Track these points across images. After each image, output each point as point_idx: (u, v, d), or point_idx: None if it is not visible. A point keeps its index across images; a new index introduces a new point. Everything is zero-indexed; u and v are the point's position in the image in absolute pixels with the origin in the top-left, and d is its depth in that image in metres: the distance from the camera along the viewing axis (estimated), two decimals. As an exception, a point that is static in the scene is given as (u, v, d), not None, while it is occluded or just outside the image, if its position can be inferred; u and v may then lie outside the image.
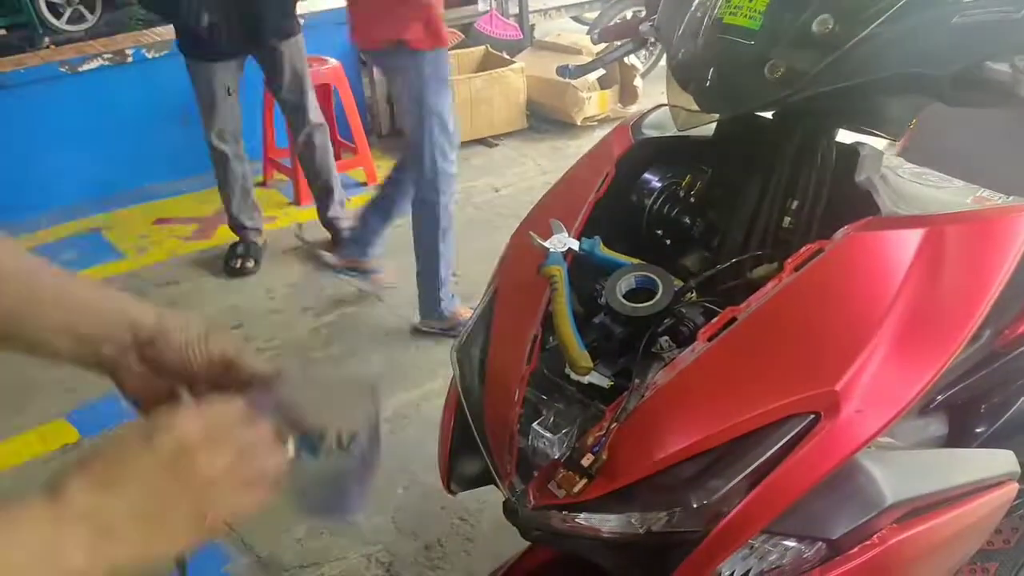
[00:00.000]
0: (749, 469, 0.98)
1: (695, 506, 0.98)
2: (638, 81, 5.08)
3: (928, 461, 1.25)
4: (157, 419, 0.65)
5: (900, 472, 1.11)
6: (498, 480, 1.17)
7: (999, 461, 1.26)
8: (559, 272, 1.15)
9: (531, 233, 1.21)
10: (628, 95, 5.09)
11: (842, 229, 1.07)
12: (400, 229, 3.96)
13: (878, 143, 1.22)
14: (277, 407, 0.72)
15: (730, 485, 0.98)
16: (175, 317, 0.79)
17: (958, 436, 1.51)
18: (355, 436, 0.73)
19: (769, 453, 0.98)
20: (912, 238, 1.05)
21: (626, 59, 4.67)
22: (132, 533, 0.61)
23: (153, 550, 0.63)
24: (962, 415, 1.53)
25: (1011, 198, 1.19)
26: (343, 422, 0.73)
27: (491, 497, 1.15)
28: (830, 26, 1.04)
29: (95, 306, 0.78)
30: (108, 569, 0.60)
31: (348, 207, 3.92)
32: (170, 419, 0.65)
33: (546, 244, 1.19)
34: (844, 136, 1.23)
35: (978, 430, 1.55)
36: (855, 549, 1.04)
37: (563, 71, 1.52)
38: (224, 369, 0.78)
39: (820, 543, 1.04)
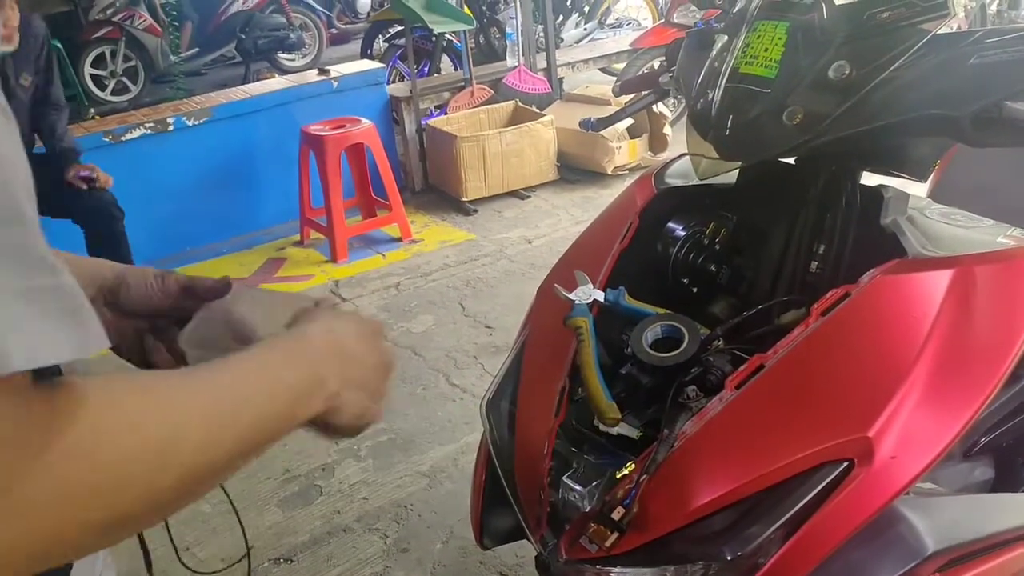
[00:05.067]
0: (784, 519, 0.96)
1: (730, 558, 0.97)
2: (667, 129, 5.11)
3: (972, 506, 1.22)
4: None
5: (942, 519, 1.08)
6: (529, 534, 1.16)
7: (1047, 505, 1.22)
8: (585, 324, 1.15)
9: (556, 286, 1.21)
10: (658, 143, 5.12)
11: (868, 273, 1.06)
12: (437, 283, 4.00)
13: (906, 185, 1.21)
14: (227, 320, 0.76)
15: (765, 535, 0.96)
16: (132, 268, 0.84)
17: (1006, 479, 1.47)
18: None
19: (804, 502, 0.96)
20: (941, 279, 1.04)
21: (655, 108, 4.71)
22: (360, 388, 0.67)
23: (364, 415, 0.68)
24: (1009, 458, 1.49)
25: (1043, 235, 1.18)
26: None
27: (530, 552, 1.15)
28: (847, 72, 1.05)
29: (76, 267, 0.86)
30: (343, 415, 0.65)
31: (383, 262, 3.92)
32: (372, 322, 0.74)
33: (571, 296, 1.19)
34: (870, 179, 1.23)
35: (1026, 473, 1.50)
36: (897, 600, 1.01)
37: (585, 124, 1.55)
38: (184, 297, 0.81)
39: (860, 594, 1.01)
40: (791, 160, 1.23)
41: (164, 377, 0.59)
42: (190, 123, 4.38)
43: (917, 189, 1.35)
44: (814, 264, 1.21)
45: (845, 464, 0.95)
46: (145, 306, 0.82)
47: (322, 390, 0.62)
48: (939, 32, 1.03)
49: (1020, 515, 1.18)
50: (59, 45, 7.02)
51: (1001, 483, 1.46)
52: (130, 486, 0.47)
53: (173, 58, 7.73)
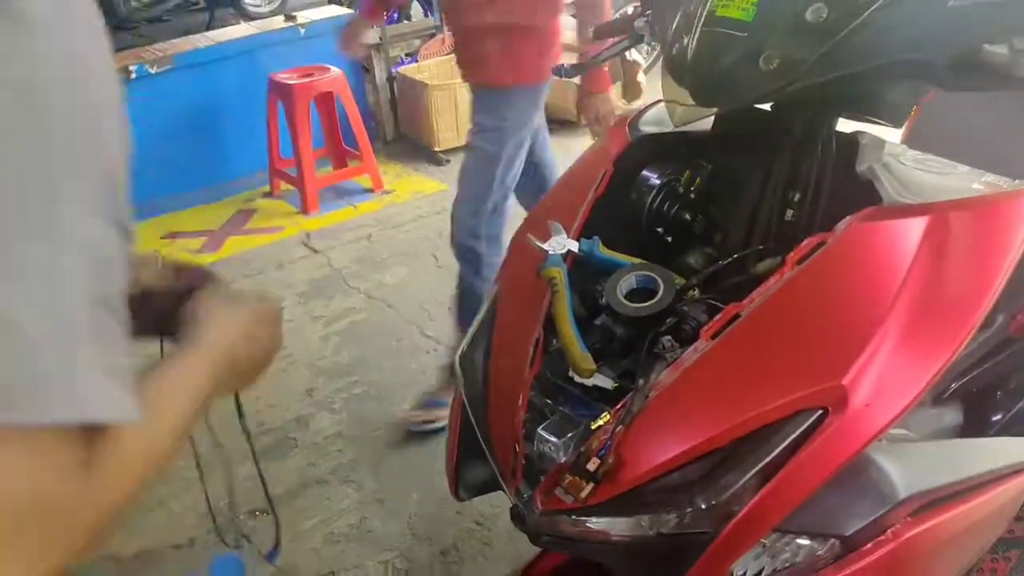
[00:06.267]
0: (758, 467, 0.96)
1: (704, 506, 0.97)
2: (641, 76, 5.05)
3: (942, 452, 1.23)
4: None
5: (913, 465, 1.09)
6: (504, 486, 1.16)
7: (1016, 449, 1.24)
8: (559, 274, 1.14)
9: (529, 236, 1.20)
10: (632, 91, 5.06)
11: (844, 220, 1.05)
12: (410, 235, 3.97)
13: (881, 131, 1.20)
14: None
15: (740, 483, 0.96)
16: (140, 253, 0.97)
17: (974, 425, 1.49)
18: None
19: (778, 450, 0.96)
20: (916, 226, 1.03)
21: (628, 55, 4.65)
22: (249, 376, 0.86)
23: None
24: (978, 403, 1.51)
25: (1016, 182, 1.17)
26: None
27: (505, 502, 1.15)
28: (824, 15, 1.02)
29: None
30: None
31: (355, 214, 3.89)
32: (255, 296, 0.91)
33: (545, 246, 1.18)
34: (846, 125, 1.21)
35: (994, 418, 1.53)
36: (869, 545, 1.02)
37: (558, 71, 1.51)
38: (176, 275, 0.97)
39: (833, 540, 1.02)
40: (767, 107, 1.22)
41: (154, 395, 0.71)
42: (152, 71, 4.26)
43: (893, 136, 1.34)
44: (789, 212, 1.20)
45: (819, 412, 0.95)
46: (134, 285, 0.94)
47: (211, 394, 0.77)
48: (918, -27, 1.01)
49: (989, 460, 1.19)
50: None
51: (970, 428, 1.48)
52: (136, 486, 0.62)
53: (134, 3, 7.50)
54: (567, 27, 2.50)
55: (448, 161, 4.67)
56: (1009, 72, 0.95)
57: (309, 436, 2.69)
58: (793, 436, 0.96)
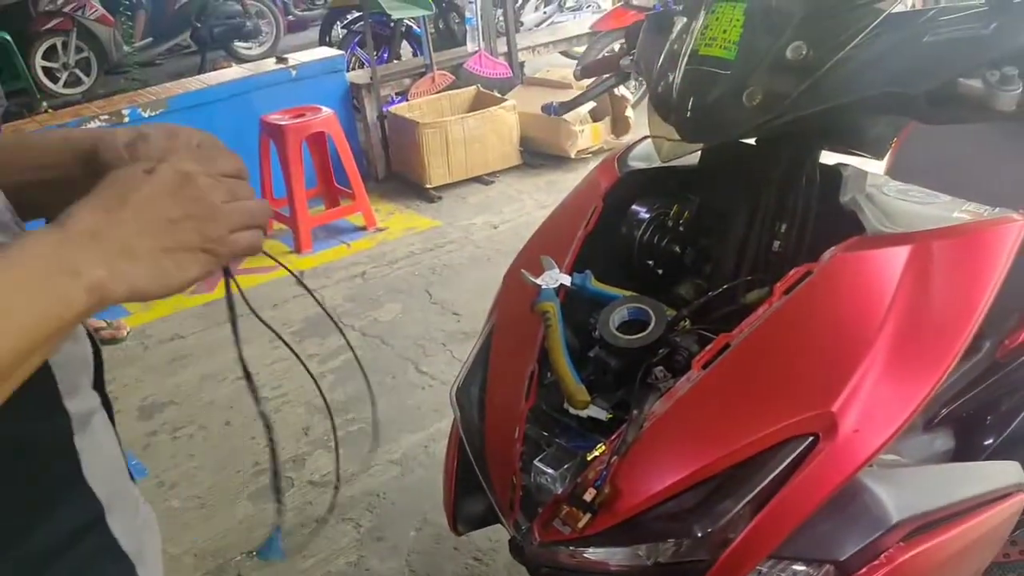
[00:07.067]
0: (752, 494, 0.98)
1: (700, 535, 0.98)
2: (629, 112, 5.12)
3: (933, 476, 1.25)
4: (155, 158, 0.68)
5: (905, 489, 1.10)
6: (502, 518, 1.17)
7: (1006, 473, 1.25)
8: (552, 308, 1.16)
9: (523, 271, 1.22)
10: (620, 126, 5.13)
11: (829, 250, 1.08)
12: (403, 272, 3.99)
13: (863, 163, 1.23)
14: None
15: (734, 511, 0.98)
16: (104, 135, 0.81)
17: (965, 449, 1.51)
18: None
19: (771, 477, 0.98)
20: (899, 255, 1.06)
21: (617, 90, 4.72)
22: (145, 254, 0.61)
23: (168, 275, 0.63)
24: (968, 428, 1.52)
25: (996, 209, 1.20)
26: None
27: (504, 536, 1.16)
28: (804, 52, 1.06)
29: (44, 145, 0.85)
30: (130, 290, 0.61)
31: (348, 252, 3.90)
32: (171, 156, 0.68)
33: (538, 281, 1.20)
34: (829, 158, 1.24)
35: (985, 442, 1.54)
36: (863, 570, 1.03)
37: (547, 109, 1.55)
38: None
39: (828, 565, 1.04)
40: (752, 141, 1.25)
41: None
42: (146, 114, 4.30)
43: (875, 167, 1.37)
44: (776, 243, 1.22)
45: (810, 439, 0.97)
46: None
47: (75, 284, 0.58)
48: (894, 11, 1.05)
49: (980, 483, 1.20)
50: (8, 37, 6.87)
51: (961, 453, 1.50)
52: None
53: (127, 48, 7.59)
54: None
55: (440, 198, 4.70)
56: (984, 104, 0.98)
57: (306, 475, 2.68)
58: (785, 463, 0.98)
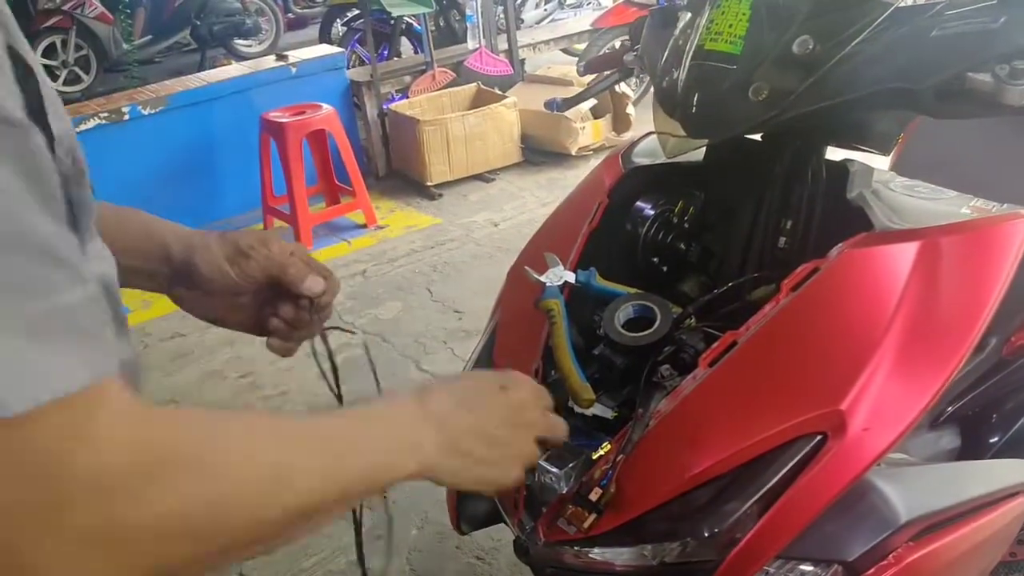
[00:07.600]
0: (759, 494, 0.97)
1: (707, 535, 0.97)
2: (631, 109, 5.11)
3: (942, 475, 1.24)
4: (506, 375, 0.83)
5: (913, 488, 1.09)
6: (506, 518, 1.16)
7: (1014, 471, 1.24)
8: (556, 306, 1.15)
9: (527, 268, 1.21)
10: (622, 123, 5.12)
11: (836, 247, 1.06)
12: (404, 269, 3.98)
13: (870, 158, 1.22)
14: None
15: (741, 511, 0.96)
16: (199, 246, 0.89)
17: (972, 448, 1.50)
18: None
19: (778, 476, 0.96)
20: (907, 252, 1.05)
21: (618, 87, 4.71)
22: (473, 449, 0.74)
23: (481, 472, 0.76)
24: (974, 426, 1.51)
25: (1004, 206, 1.19)
26: None
27: (506, 535, 1.15)
28: (811, 47, 1.05)
29: (141, 232, 0.94)
30: (444, 469, 0.71)
31: (349, 249, 3.90)
32: (516, 379, 0.83)
33: (542, 278, 1.19)
34: (835, 153, 1.23)
35: (991, 440, 1.53)
36: (872, 570, 1.02)
37: (550, 105, 1.54)
38: (269, 282, 0.91)
39: (836, 565, 1.02)
40: (757, 136, 1.24)
41: (268, 418, 0.66)
42: (146, 112, 4.29)
43: (881, 162, 1.36)
44: (782, 240, 1.21)
45: (819, 438, 0.96)
46: (223, 287, 0.90)
47: (414, 454, 0.67)
48: (900, 5, 1.04)
49: (987, 482, 1.20)
50: (7, 35, 6.84)
51: (967, 451, 1.49)
52: (229, 524, 0.50)
53: (126, 46, 7.57)
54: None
55: (441, 195, 4.69)
56: (993, 99, 0.97)
57: (307, 473, 2.67)
58: (793, 462, 0.96)
